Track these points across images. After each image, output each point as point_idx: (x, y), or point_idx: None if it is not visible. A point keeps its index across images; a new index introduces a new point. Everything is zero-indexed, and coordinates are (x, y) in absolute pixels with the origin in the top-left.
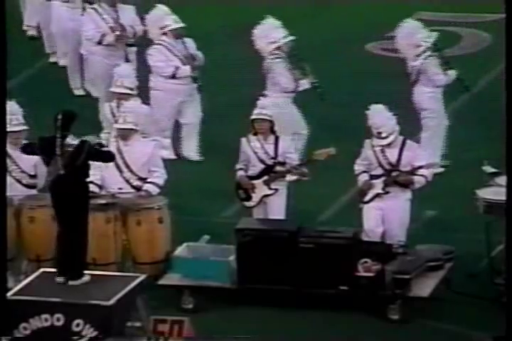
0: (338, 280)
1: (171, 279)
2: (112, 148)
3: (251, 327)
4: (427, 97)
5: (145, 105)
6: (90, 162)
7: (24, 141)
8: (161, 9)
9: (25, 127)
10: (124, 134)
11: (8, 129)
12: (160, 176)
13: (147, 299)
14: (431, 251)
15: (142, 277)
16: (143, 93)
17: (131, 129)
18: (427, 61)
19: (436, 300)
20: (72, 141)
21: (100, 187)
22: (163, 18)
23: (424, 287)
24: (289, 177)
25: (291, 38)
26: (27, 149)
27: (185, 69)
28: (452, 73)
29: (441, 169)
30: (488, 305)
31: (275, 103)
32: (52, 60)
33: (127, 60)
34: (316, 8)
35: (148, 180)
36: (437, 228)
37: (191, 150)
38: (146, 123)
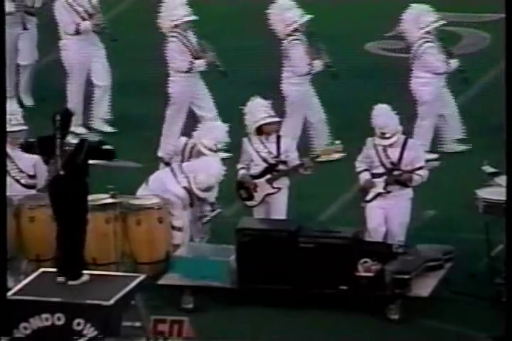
0: (338, 280)
1: (171, 279)
2: None
3: (251, 327)
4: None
5: None
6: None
7: (22, 140)
8: None
9: (24, 127)
10: None
11: (7, 129)
12: None
13: (147, 299)
14: (431, 250)
15: (142, 277)
16: None
17: None
18: (295, 42)
19: (436, 299)
20: (71, 140)
21: None
22: None
23: (424, 287)
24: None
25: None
26: (27, 147)
27: (86, 24)
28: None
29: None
30: (488, 305)
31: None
32: None
33: (25, 28)
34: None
35: None
36: (437, 228)
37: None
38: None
